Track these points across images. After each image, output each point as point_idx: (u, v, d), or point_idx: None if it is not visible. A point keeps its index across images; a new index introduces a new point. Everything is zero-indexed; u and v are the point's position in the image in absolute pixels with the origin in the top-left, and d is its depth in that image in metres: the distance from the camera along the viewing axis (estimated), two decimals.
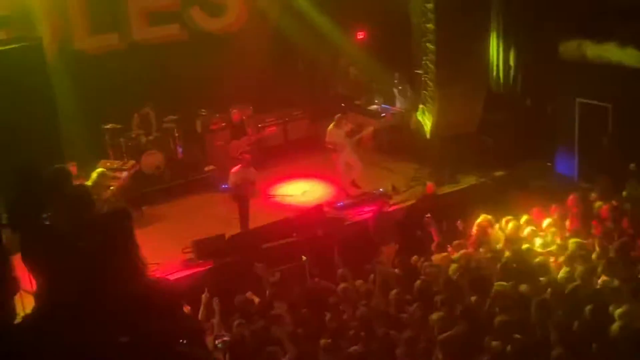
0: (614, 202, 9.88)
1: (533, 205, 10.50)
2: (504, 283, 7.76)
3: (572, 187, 11.99)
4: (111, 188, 11.14)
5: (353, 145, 12.94)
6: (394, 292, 8.19)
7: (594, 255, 8.45)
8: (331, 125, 12.83)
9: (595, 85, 12.76)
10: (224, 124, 14.30)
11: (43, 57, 11.53)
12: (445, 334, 6.86)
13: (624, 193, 10.48)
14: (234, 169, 11.68)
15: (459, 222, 10.29)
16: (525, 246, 9.06)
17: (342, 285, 8.64)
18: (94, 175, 10.87)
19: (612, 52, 12.31)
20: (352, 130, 13.10)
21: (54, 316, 4.47)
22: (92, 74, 13.31)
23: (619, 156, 11.65)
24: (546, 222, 9.80)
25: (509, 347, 6.49)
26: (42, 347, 4.38)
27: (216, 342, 7.95)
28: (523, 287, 7.76)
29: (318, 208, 11.89)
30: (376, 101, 15.79)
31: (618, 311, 6.79)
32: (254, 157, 12.36)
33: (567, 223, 9.81)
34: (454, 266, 8.64)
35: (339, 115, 13.02)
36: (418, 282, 8.16)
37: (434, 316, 7.24)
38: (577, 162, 13.53)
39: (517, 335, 6.64)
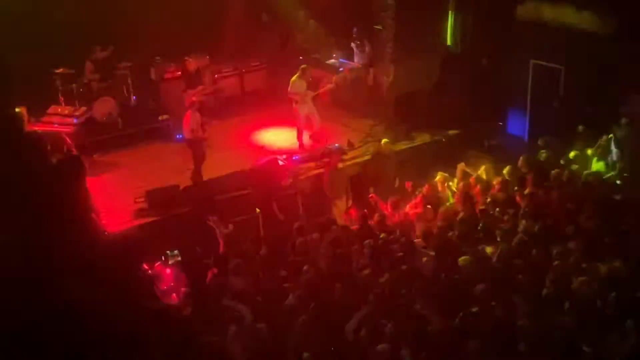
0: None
1: (486, 163, 10.73)
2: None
3: (524, 147, 12.26)
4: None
5: (312, 98, 12.89)
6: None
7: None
8: (295, 76, 12.66)
9: (549, 47, 12.94)
10: (179, 73, 14.03)
11: None
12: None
13: (571, 154, 10.77)
14: (187, 115, 11.55)
15: (408, 182, 10.44)
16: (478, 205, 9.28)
17: (299, 240, 8.75)
18: None
19: (568, 15, 12.46)
20: (311, 84, 13.02)
21: (7, 265, 4.40)
22: (43, 16, 12.79)
23: (569, 118, 11.92)
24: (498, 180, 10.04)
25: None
26: None
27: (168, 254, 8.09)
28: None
29: (273, 161, 11.88)
30: (334, 55, 15.69)
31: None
32: (210, 108, 12.13)
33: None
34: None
35: (303, 66, 12.83)
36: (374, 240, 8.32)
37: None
38: (528, 122, 13.80)
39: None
